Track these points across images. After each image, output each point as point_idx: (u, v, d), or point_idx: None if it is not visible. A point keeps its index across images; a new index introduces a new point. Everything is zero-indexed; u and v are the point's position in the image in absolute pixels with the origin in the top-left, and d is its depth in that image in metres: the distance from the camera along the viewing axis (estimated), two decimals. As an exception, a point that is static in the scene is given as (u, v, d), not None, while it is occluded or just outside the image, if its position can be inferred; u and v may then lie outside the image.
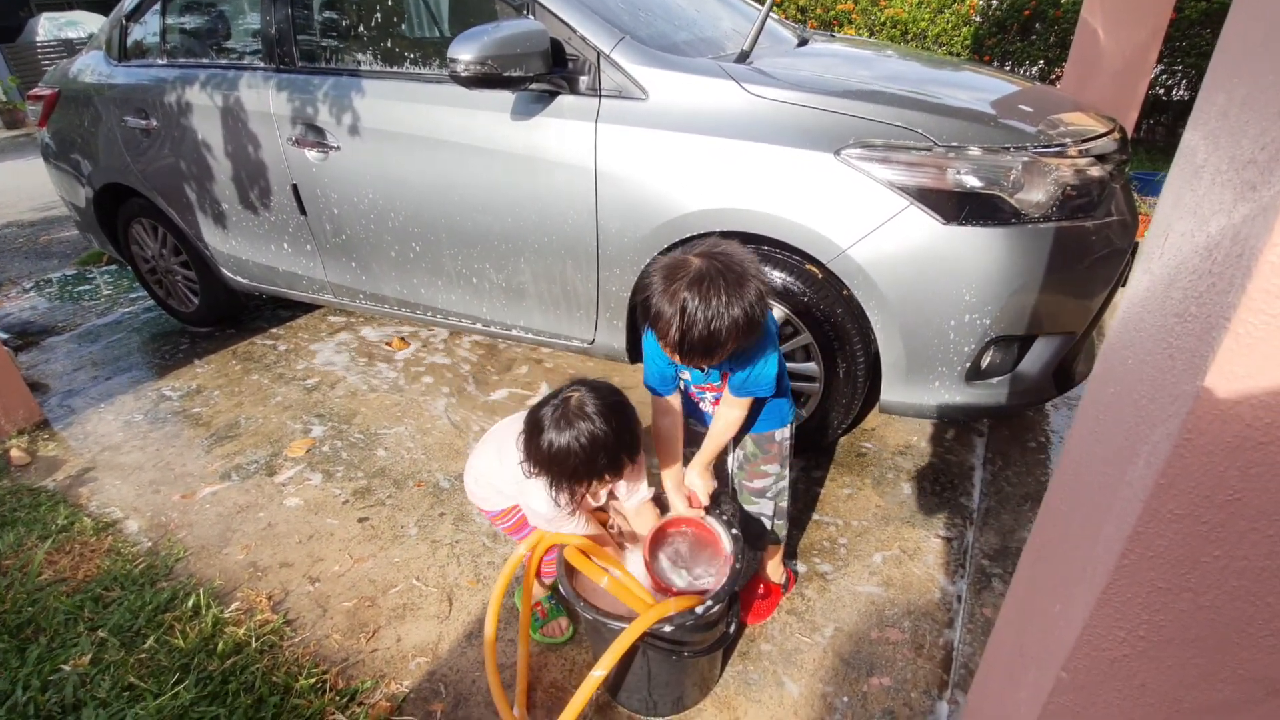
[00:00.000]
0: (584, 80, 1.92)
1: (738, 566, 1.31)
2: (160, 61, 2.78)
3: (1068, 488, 0.78)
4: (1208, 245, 0.52)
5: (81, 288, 4.02)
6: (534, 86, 1.91)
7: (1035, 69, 6.43)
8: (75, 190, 3.21)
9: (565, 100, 1.95)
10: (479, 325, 2.43)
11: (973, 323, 1.72)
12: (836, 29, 7.05)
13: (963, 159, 1.66)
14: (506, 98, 2.00)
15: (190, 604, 1.67)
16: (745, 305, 1.07)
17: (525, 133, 2.00)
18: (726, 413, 1.33)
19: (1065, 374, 1.93)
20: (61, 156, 3.18)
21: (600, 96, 1.91)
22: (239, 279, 2.91)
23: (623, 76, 1.88)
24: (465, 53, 1.75)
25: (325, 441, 2.37)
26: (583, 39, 1.90)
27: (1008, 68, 6.57)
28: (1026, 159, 1.67)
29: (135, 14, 2.87)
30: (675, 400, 1.40)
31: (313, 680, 1.49)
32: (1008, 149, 1.67)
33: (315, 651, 1.58)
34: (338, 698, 1.46)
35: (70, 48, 14.91)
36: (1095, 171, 1.77)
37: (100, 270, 4.29)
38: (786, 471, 1.51)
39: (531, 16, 1.95)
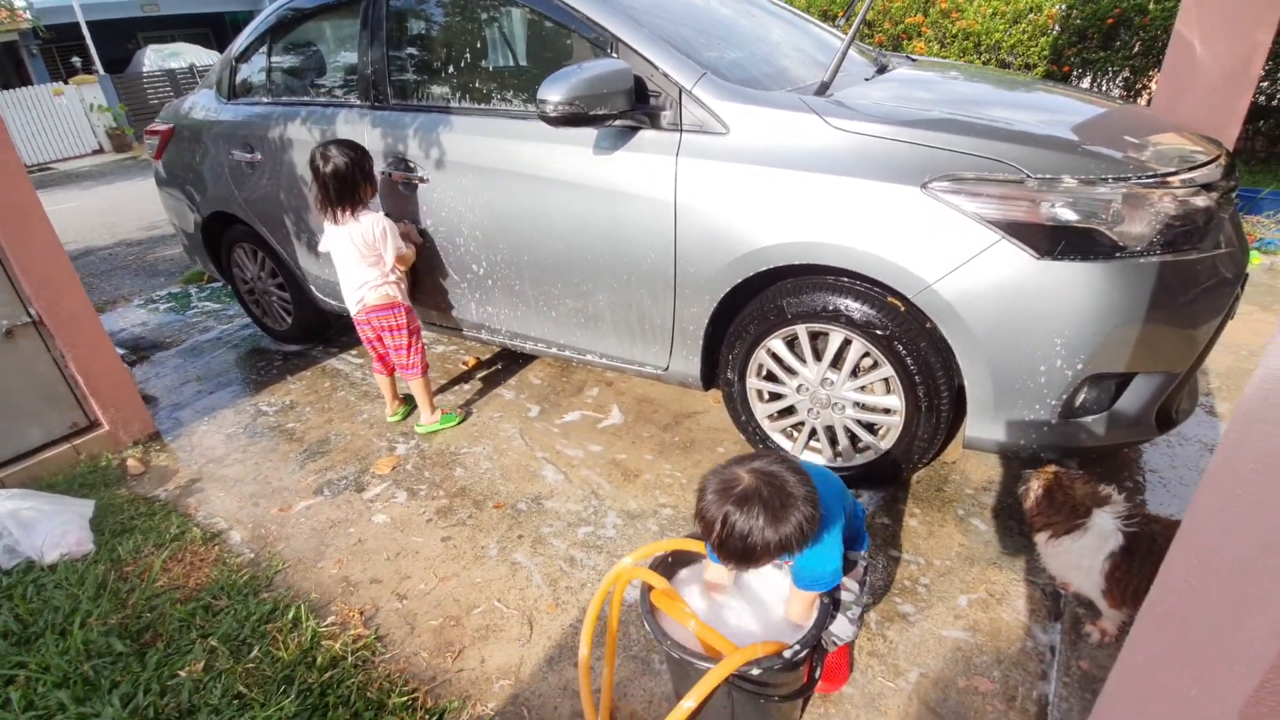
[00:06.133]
0: (666, 116, 1.96)
1: (825, 603, 1.29)
2: (264, 100, 2.99)
3: (1199, 558, 0.75)
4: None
5: (185, 304, 4.33)
6: (617, 123, 1.96)
7: (1120, 79, 6.14)
8: (185, 217, 3.47)
9: (646, 135, 1.99)
10: (554, 350, 2.49)
11: (1068, 359, 1.66)
12: (906, 43, 6.92)
13: (1057, 191, 1.61)
14: (588, 133, 2.06)
15: (290, 616, 1.77)
16: (782, 535, 1.12)
17: (606, 167, 2.05)
18: (793, 605, 1.33)
19: (1166, 413, 1.84)
20: (173, 186, 3.45)
21: (681, 131, 1.94)
22: (329, 300, 3.07)
23: (704, 112, 1.91)
24: (554, 94, 1.82)
25: (409, 459, 2.48)
26: (665, 76, 1.95)
27: (1089, 78, 6.30)
28: (1126, 191, 1.61)
29: (243, 56, 3.09)
30: None
31: (404, 698, 1.55)
32: (1106, 180, 1.62)
33: (405, 669, 1.65)
34: (428, 716, 1.52)
35: (172, 77, 16.12)
36: (1200, 201, 1.68)
37: (200, 288, 4.61)
38: (865, 597, 1.48)
39: (615, 55, 2.01)
